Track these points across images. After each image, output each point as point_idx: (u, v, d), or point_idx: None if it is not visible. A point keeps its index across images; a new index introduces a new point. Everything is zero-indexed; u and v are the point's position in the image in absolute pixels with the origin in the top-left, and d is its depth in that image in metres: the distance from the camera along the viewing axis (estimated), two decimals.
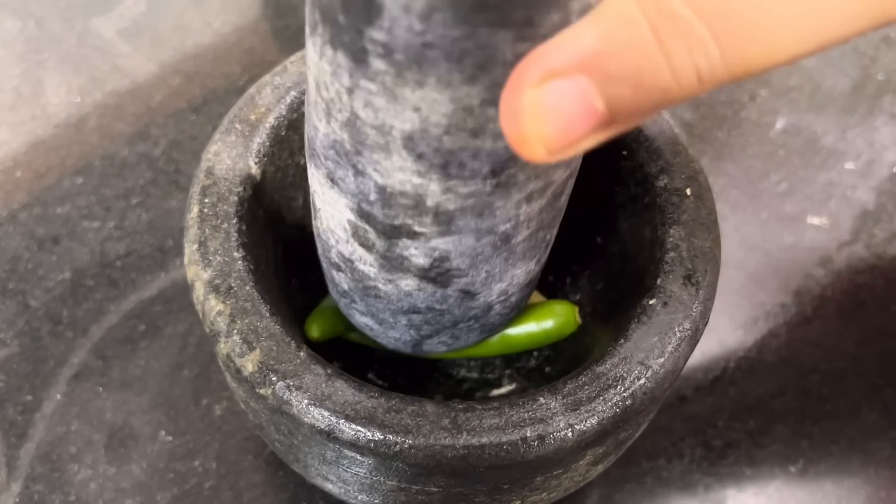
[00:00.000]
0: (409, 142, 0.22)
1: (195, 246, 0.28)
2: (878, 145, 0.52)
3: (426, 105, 0.21)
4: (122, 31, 0.54)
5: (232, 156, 0.30)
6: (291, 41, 0.55)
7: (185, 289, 0.43)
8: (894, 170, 0.51)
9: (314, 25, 0.22)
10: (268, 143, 0.31)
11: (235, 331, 0.27)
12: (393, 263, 0.26)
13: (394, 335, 0.31)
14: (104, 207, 0.47)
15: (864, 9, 0.17)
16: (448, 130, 0.22)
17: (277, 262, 0.33)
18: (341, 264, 0.28)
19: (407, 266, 0.26)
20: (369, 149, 0.23)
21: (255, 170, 0.31)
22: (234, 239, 0.29)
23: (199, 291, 0.28)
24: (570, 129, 0.17)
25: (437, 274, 0.26)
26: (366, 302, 0.30)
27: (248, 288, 0.28)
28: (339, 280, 0.30)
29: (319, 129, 0.24)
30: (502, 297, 0.29)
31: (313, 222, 0.29)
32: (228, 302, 0.27)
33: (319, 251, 0.30)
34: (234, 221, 0.29)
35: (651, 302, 0.28)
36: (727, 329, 0.44)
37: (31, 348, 0.42)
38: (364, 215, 0.25)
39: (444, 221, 0.24)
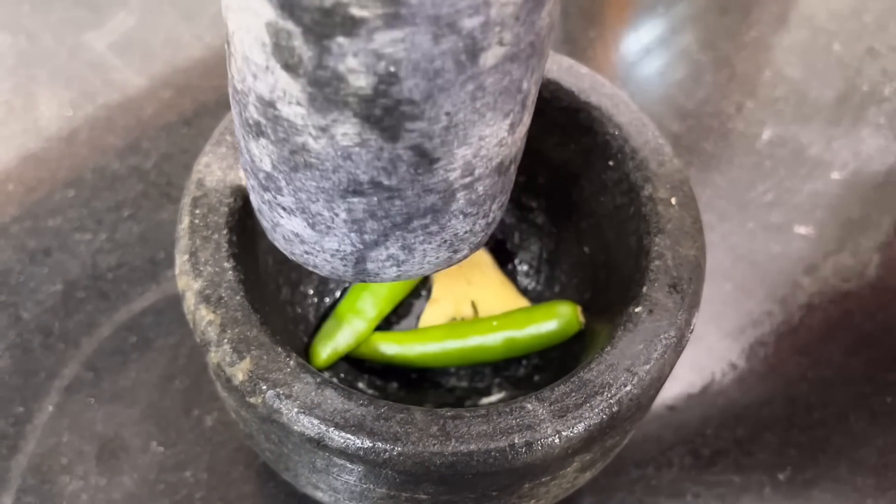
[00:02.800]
0: None
1: (186, 256, 0.29)
2: (863, 155, 0.53)
3: None
4: (113, 45, 0.55)
5: (223, 167, 0.31)
6: None
7: (176, 301, 0.44)
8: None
9: None
10: None
11: (226, 340, 0.27)
12: (326, 94, 0.21)
13: (331, 245, 0.26)
14: (95, 220, 0.47)
15: None
16: None
17: (269, 272, 0.34)
18: (262, 120, 0.23)
19: (344, 95, 0.21)
20: None
21: (245, 181, 0.31)
22: (224, 249, 0.29)
23: (189, 301, 0.28)
24: None
25: (383, 109, 0.22)
26: (294, 184, 0.25)
27: (238, 297, 0.28)
28: (259, 157, 0.25)
29: None
30: (467, 178, 0.24)
31: (229, 81, 0.24)
32: (219, 311, 0.27)
33: (237, 124, 0.25)
34: (225, 232, 0.29)
35: (637, 310, 0.28)
36: (715, 338, 0.45)
37: (23, 360, 0.42)
38: (286, 4, 0.20)
39: None
